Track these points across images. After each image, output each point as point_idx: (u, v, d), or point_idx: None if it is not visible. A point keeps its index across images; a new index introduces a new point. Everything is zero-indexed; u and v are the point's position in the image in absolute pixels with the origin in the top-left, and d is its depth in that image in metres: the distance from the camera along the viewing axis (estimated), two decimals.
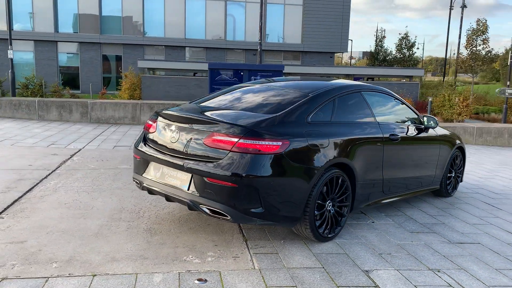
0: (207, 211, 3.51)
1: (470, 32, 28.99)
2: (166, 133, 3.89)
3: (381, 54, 41.86)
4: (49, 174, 6.24)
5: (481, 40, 28.63)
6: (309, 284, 3.31)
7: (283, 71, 13.65)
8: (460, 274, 3.69)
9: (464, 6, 36.21)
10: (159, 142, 3.97)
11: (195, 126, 3.68)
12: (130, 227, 4.26)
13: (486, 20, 28.20)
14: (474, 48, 28.96)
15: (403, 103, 5.33)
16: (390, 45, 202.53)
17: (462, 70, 30.42)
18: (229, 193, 3.40)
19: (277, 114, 3.79)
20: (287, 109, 3.85)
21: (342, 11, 31.09)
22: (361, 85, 4.91)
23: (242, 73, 12.85)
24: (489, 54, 28.88)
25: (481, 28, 28.02)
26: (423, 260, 3.93)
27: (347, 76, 26.50)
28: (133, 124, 13.14)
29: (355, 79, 24.15)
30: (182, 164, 3.62)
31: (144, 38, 29.83)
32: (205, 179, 3.46)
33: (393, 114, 5.14)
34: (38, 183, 5.71)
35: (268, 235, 4.26)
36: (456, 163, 6.09)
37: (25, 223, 4.26)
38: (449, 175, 5.97)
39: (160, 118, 4.05)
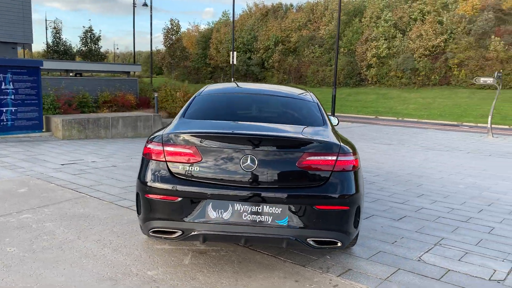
0: (313, 243, 3.03)
1: (165, 30, 30.68)
2: (231, 160, 3.03)
3: (60, 46, 39.36)
4: None
5: (175, 38, 30.78)
6: None
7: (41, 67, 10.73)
8: None
9: (145, 5, 37.89)
10: (217, 173, 3.03)
11: (278, 148, 3.07)
12: None
13: (178, 21, 30.60)
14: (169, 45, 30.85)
15: None
16: (71, 37, 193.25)
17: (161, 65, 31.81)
18: (342, 217, 3.08)
19: (327, 125, 3.69)
20: (325, 119, 3.77)
21: None
22: None
23: None
24: (183, 52, 31.36)
25: (175, 28, 30.11)
26: None
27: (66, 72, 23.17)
28: None
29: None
30: (273, 196, 2.97)
31: None
32: (314, 207, 2.98)
33: None
34: None
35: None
36: None
37: None
38: None
39: (206, 142, 3.06)
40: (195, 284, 3.09)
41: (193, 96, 4.04)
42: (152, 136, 3.36)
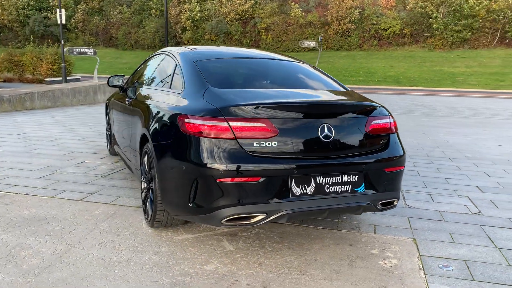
0: (381, 206, 3.07)
1: None
2: (308, 131, 2.83)
3: None
4: None
5: None
6: None
7: None
8: None
9: None
10: (297, 146, 2.80)
11: (350, 115, 3.02)
12: None
13: None
14: None
15: None
16: None
17: None
18: (399, 176, 3.20)
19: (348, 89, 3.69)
20: (341, 83, 3.74)
21: None
22: None
23: None
24: None
25: None
26: None
27: None
28: None
29: None
30: (351, 164, 2.92)
31: None
32: (384, 170, 3.04)
33: None
34: None
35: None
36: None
37: None
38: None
39: (280, 114, 2.79)
40: (268, 269, 2.81)
41: (187, 62, 3.47)
42: (197, 111, 2.80)
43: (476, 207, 4.17)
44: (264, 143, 2.70)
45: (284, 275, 2.74)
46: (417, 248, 3.20)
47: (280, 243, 3.22)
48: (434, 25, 36.86)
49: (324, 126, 2.83)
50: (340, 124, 2.91)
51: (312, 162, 2.78)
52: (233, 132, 2.67)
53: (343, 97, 3.28)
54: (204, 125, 2.71)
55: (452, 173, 5.51)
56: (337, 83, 3.67)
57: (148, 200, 3.40)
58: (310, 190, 2.77)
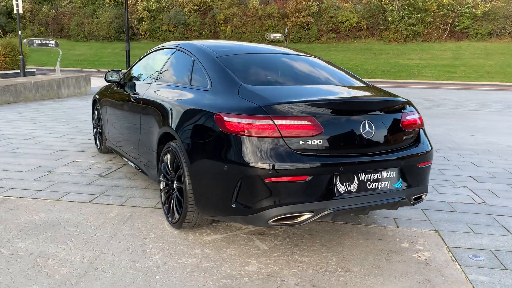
0: (413, 200, 3.12)
1: None
2: (351, 128, 2.83)
3: None
4: None
5: None
6: None
7: None
8: None
9: None
10: (340, 143, 2.80)
11: (387, 111, 3.04)
12: None
13: None
14: None
15: None
16: None
17: None
18: (429, 171, 3.26)
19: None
20: (357, 77, 3.78)
21: None
22: None
23: None
24: None
25: None
26: None
27: None
28: None
29: None
30: (389, 160, 2.94)
31: None
32: (418, 165, 3.08)
33: None
34: None
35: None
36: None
37: None
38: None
39: (324, 111, 2.77)
40: (310, 267, 2.80)
41: (208, 58, 3.36)
42: (238, 109, 2.72)
43: (478, 197, 4.34)
44: (310, 141, 2.67)
45: (328, 273, 2.74)
46: (443, 239, 3.29)
47: (312, 240, 3.22)
48: (389, 18, 37.96)
49: (365, 123, 2.84)
50: (379, 120, 2.93)
51: (356, 159, 2.79)
52: (279, 131, 2.62)
53: (376, 93, 3.30)
54: (248, 123, 2.64)
55: (443, 164, 5.71)
56: (359, 79, 3.69)
57: (173, 201, 3.29)
58: (353, 187, 2.78)
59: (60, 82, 13.14)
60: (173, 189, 3.31)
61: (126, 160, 4.62)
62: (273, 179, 2.59)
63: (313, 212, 2.68)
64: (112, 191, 4.15)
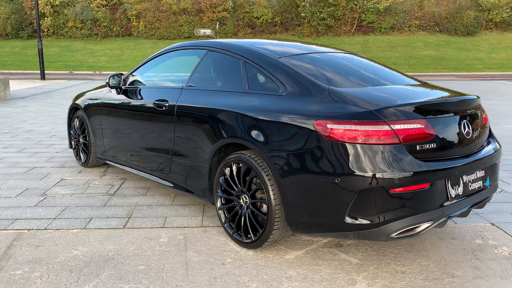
0: (491, 197, 3.20)
1: None
2: (454, 129, 2.74)
3: None
4: None
5: None
6: None
7: None
8: None
9: None
10: (448, 146, 2.71)
11: (475, 110, 3.00)
12: None
13: None
14: None
15: None
16: None
17: None
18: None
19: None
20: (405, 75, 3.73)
21: None
22: None
23: None
24: None
25: None
26: None
27: None
28: None
29: None
30: (481, 159, 2.91)
31: None
32: (497, 162, 3.11)
33: None
34: None
35: None
36: None
37: None
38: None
39: (433, 113, 2.67)
40: (416, 276, 2.67)
41: (269, 60, 3.05)
42: (344, 115, 2.48)
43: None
44: (426, 145, 2.54)
45: (438, 281, 2.64)
46: (504, 231, 3.37)
47: (392, 246, 3.09)
48: (302, 14, 39.12)
49: (464, 123, 2.77)
50: (472, 119, 2.89)
51: (461, 161, 2.71)
52: (397, 136, 2.44)
53: (449, 92, 3.23)
54: (361, 130, 2.42)
55: None
56: (414, 78, 3.62)
57: (243, 218, 2.96)
58: (460, 190, 2.70)
59: None
60: (241, 205, 2.98)
61: (136, 173, 4.11)
62: (398, 190, 2.41)
63: (432, 220, 2.55)
64: (139, 211, 3.65)
